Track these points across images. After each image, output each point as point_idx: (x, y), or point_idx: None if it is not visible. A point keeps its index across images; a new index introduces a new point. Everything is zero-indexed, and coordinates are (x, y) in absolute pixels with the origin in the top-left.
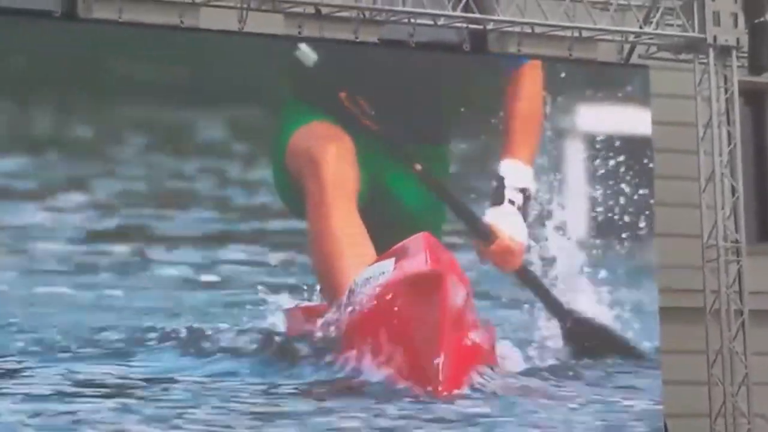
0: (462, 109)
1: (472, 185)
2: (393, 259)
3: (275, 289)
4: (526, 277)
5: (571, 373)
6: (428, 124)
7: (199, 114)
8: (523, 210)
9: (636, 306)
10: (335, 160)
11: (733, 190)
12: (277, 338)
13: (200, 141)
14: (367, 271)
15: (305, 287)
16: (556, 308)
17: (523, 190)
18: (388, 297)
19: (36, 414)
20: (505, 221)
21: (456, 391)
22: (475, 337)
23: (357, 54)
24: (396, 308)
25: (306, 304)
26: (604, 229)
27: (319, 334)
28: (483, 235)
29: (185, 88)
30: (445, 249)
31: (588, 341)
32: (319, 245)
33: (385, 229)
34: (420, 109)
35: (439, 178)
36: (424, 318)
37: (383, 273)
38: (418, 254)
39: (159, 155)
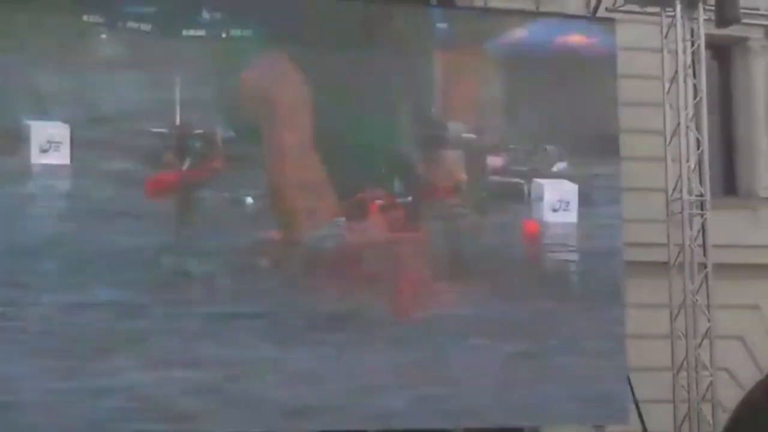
0: None
1: None
2: (344, 219)
3: None
4: None
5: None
6: None
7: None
8: None
9: None
10: (293, 105)
11: (698, 144)
12: None
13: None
14: (322, 230)
15: None
16: None
17: None
18: (346, 260)
19: None
20: None
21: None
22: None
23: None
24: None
25: None
26: None
27: None
28: None
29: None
30: (394, 204)
31: None
32: (278, 196)
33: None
34: None
35: None
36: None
37: (337, 226)
38: (366, 218)
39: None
